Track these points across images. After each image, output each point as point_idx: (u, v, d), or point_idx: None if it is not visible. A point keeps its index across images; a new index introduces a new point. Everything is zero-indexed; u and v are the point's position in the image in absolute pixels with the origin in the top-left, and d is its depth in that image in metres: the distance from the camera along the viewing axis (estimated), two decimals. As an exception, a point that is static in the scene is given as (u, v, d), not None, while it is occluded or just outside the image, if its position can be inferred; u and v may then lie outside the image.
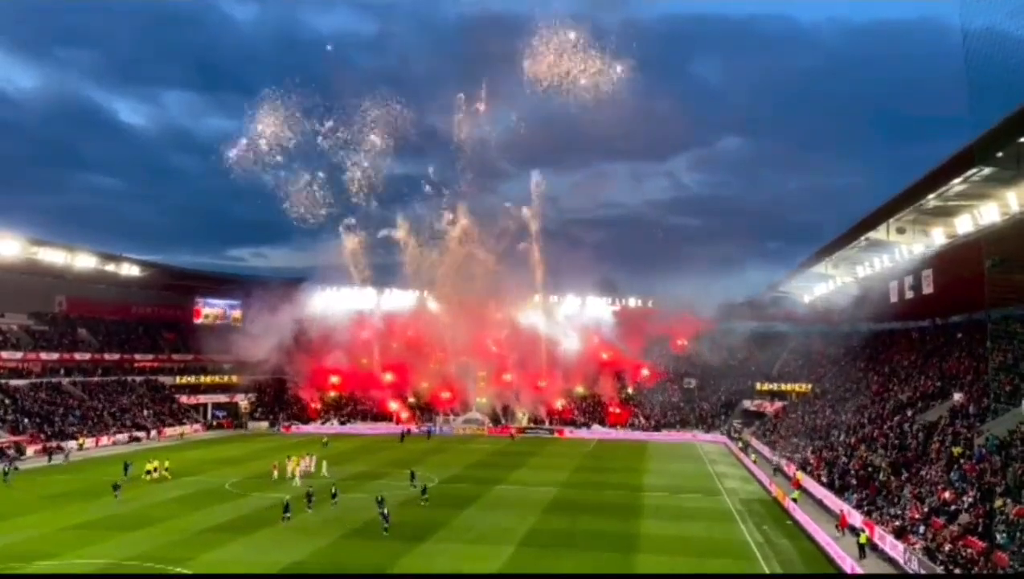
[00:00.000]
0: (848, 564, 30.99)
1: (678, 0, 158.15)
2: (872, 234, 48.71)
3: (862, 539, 33.00)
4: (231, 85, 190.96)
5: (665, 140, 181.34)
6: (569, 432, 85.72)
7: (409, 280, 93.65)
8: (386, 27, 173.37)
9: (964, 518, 30.30)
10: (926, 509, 33.40)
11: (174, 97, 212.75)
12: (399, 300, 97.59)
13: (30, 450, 61.74)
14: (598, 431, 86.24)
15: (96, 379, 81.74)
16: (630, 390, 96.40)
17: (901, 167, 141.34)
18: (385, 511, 37.36)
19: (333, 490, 43.80)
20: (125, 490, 43.85)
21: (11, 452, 59.24)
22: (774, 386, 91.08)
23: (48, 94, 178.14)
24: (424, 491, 44.91)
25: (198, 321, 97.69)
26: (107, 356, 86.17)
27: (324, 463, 54.73)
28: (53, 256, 70.65)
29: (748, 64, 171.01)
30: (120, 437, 71.78)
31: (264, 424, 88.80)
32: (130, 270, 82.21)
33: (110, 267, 79.33)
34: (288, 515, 38.54)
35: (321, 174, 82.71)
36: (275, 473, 51.56)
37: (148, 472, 50.42)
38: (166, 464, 52.63)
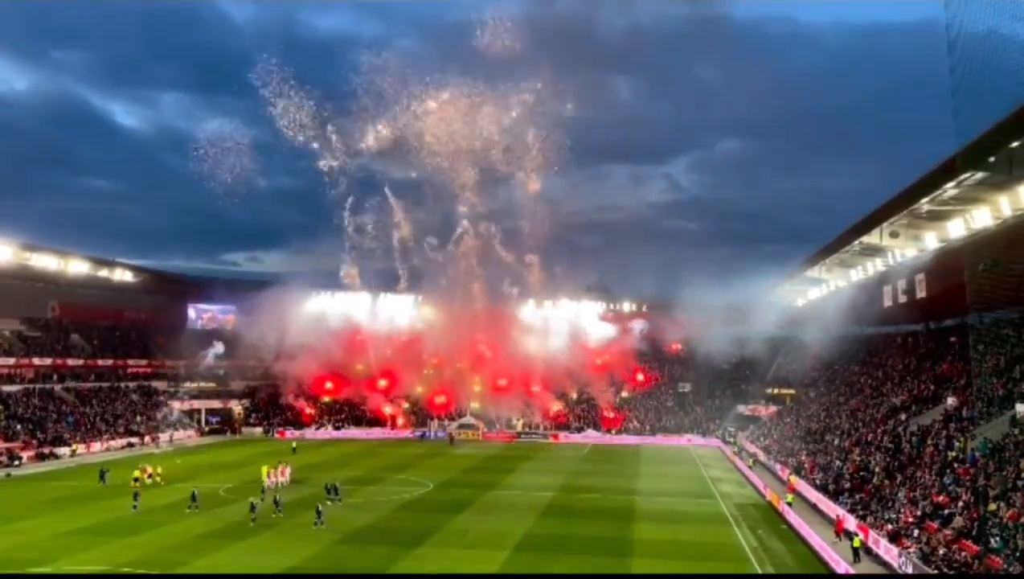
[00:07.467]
0: (843, 568, 31.03)
1: (679, 1, 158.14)
2: (866, 238, 48.87)
3: (856, 543, 33.05)
4: (229, 87, 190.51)
5: (665, 142, 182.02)
6: (564, 437, 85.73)
7: (404, 284, 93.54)
8: (385, 28, 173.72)
9: (958, 522, 30.37)
10: (920, 513, 33.48)
11: (170, 99, 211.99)
12: (394, 305, 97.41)
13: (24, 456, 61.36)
14: (592, 436, 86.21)
15: (89, 385, 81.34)
16: (624, 394, 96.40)
17: (902, 169, 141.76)
18: (321, 511, 38.74)
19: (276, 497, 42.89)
20: (114, 497, 43.59)
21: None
22: (769, 390, 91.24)
23: (43, 96, 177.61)
24: (336, 491, 45.19)
25: (191, 326, 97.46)
26: (100, 361, 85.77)
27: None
28: (45, 261, 70.50)
29: (749, 65, 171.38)
30: (114, 443, 71.42)
31: (258, 429, 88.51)
32: (123, 275, 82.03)
33: (103, 272, 79.19)
34: (257, 516, 39.23)
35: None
36: (279, 479, 50.98)
37: (136, 479, 49.61)
38: (159, 470, 52.42)
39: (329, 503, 43.09)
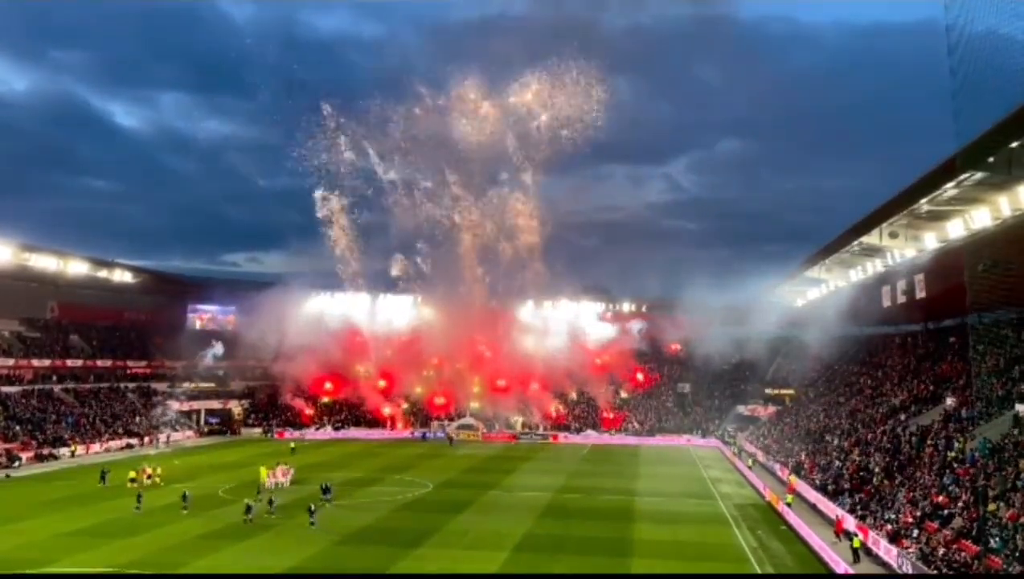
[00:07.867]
0: (842, 568, 31.06)
1: (680, 2, 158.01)
2: (866, 239, 48.94)
3: (855, 543, 33.06)
4: (228, 87, 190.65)
5: (665, 142, 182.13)
6: (563, 437, 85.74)
7: (404, 284, 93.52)
8: (386, 28, 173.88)
9: (958, 522, 30.39)
10: (919, 513, 33.48)
11: (170, 99, 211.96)
12: (393, 305, 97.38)
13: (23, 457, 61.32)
14: (592, 436, 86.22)
15: (88, 386, 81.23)
16: (624, 395, 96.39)
17: (902, 169, 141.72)
18: (313, 510, 39.15)
19: (271, 498, 43.37)
20: (114, 497, 43.55)
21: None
22: (768, 390, 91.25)
23: (43, 96, 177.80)
24: (328, 491, 45.22)
25: (191, 327, 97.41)
26: (99, 362, 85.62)
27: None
28: (45, 262, 70.48)
29: (749, 65, 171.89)
30: (114, 443, 71.34)
31: (257, 430, 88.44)
32: (123, 276, 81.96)
33: (102, 273, 79.17)
34: (253, 516, 39.45)
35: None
36: (280, 480, 51.05)
37: (132, 480, 49.22)
38: (158, 470, 52.37)
39: (323, 503, 43.11)
